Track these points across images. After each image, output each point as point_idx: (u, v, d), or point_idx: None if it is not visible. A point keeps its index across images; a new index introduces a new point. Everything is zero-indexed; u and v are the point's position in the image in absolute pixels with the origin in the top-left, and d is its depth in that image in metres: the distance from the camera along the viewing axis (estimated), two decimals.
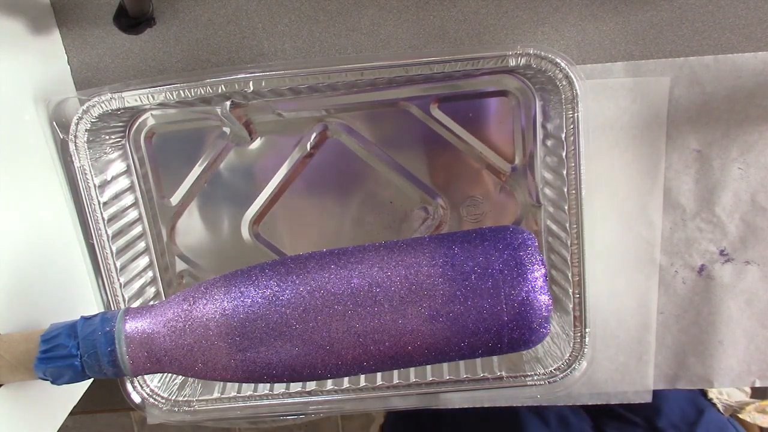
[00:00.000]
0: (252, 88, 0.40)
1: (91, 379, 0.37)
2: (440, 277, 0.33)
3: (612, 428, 0.59)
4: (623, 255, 0.48)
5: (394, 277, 0.33)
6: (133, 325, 0.33)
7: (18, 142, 0.40)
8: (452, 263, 0.34)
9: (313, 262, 0.35)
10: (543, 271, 0.34)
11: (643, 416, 0.58)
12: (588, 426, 0.59)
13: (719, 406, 0.58)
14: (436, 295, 0.33)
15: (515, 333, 0.34)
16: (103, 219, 0.43)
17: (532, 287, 0.33)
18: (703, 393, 0.61)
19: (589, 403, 0.52)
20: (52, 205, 0.43)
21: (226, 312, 0.33)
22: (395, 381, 0.45)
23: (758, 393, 0.59)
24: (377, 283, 0.33)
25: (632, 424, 0.58)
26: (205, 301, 0.33)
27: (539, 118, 0.44)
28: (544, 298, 0.34)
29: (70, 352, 0.32)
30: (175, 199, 0.48)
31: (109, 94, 0.41)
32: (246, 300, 0.33)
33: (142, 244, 0.48)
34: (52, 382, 0.33)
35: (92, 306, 0.46)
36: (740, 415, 0.57)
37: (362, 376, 0.46)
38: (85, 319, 0.34)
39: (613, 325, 0.49)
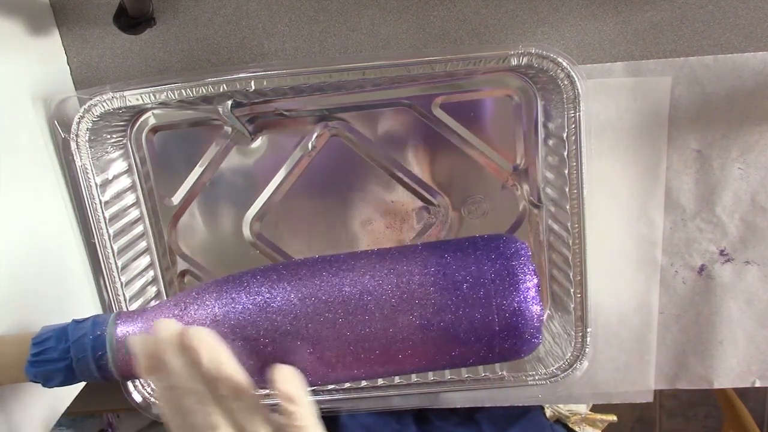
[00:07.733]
0: (254, 87, 0.40)
1: (84, 383, 0.37)
2: (432, 285, 0.33)
3: (433, 419, 0.55)
4: (624, 254, 0.48)
5: (386, 285, 0.33)
6: (124, 330, 0.33)
7: (17, 141, 0.40)
8: (444, 272, 0.33)
9: (305, 269, 0.34)
10: (535, 281, 0.33)
11: (465, 408, 0.54)
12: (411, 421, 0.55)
13: (547, 411, 0.56)
14: (428, 304, 0.33)
15: (507, 343, 0.34)
16: (104, 218, 0.43)
17: (524, 297, 0.33)
18: None
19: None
20: (51, 205, 0.43)
21: (217, 318, 0.32)
22: (396, 381, 0.45)
23: (597, 408, 0.57)
24: (368, 291, 0.33)
25: (452, 412, 0.55)
26: (196, 307, 0.33)
27: (541, 118, 0.44)
28: (536, 308, 0.33)
29: (60, 355, 0.32)
30: (176, 198, 0.47)
31: (111, 93, 0.41)
32: (237, 306, 0.32)
33: (143, 244, 0.48)
34: (44, 385, 0.33)
35: (92, 306, 0.46)
36: (570, 425, 0.56)
37: None
38: (76, 322, 0.33)
39: (614, 325, 0.49)
